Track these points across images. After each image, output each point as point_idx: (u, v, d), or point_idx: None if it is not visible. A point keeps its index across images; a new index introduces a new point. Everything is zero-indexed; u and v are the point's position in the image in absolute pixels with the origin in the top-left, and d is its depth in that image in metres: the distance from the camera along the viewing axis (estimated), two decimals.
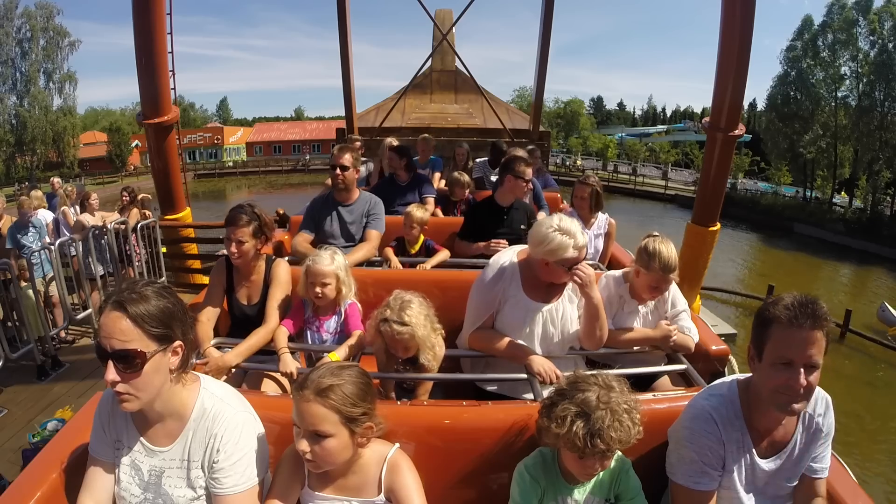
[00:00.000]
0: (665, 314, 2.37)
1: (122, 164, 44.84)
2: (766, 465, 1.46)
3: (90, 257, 5.62)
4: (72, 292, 5.56)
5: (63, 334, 5.23)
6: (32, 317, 4.82)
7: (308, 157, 50.33)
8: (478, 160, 5.86)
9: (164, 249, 6.58)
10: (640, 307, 2.35)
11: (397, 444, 1.46)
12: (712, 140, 6.13)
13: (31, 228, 5.31)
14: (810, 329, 1.25)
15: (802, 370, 1.27)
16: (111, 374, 1.20)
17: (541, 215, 3.50)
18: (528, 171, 3.25)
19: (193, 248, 6.91)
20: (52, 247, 5.14)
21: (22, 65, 37.09)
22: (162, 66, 5.41)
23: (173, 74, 5.98)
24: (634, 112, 73.09)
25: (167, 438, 1.36)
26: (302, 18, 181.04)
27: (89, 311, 5.56)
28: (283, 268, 2.49)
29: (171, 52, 5.77)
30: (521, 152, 4.38)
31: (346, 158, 3.22)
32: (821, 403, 1.48)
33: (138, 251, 6.21)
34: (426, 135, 5.92)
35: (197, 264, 6.82)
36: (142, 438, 1.37)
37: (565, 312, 2.16)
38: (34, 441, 3.42)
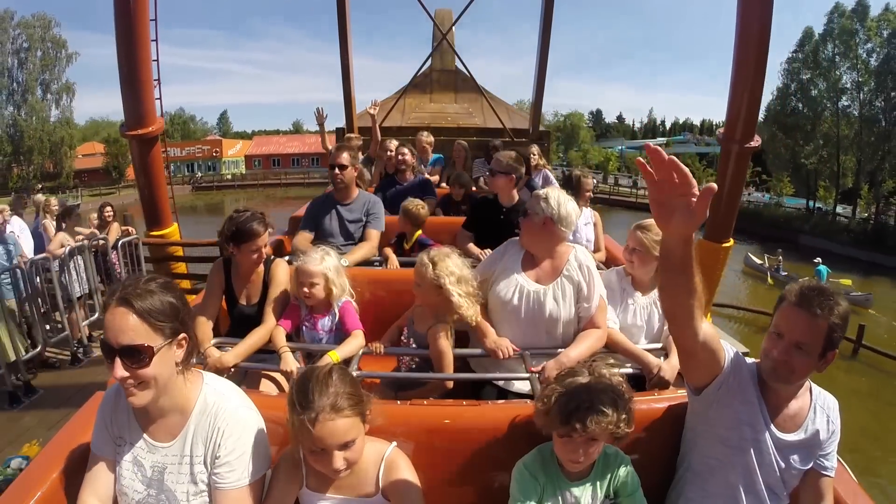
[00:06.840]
0: None
1: (120, 175, 44.30)
2: (786, 437, 1.50)
3: (67, 276, 5.30)
4: (55, 310, 5.26)
5: (44, 355, 4.95)
6: (6, 340, 4.52)
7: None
8: (476, 160, 5.77)
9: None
10: (642, 298, 2.42)
11: (394, 443, 1.46)
12: (727, 153, 5.81)
13: (2, 245, 4.96)
14: (810, 315, 1.36)
15: (790, 347, 1.39)
16: (119, 370, 1.20)
17: None
18: (501, 162, 3.26)
19: (181, 267, 6.45)
20: (25, 265, 4.83)
21: (19, 75, 36.97)
22: (145, 73, 5.09)
23: (158, 83, 5.64)
24: (634, 125, 73.08)
25: (169, 434, 1.35)
26: (303, 33, 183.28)
27: (66, 332, 5.25)
28: (282, 268, 2.49)
29: (157, 61, 5.44)
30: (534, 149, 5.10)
31: (344, 157, 3.24)
32: (830, 400, 1.57)
33: (119, 270, 5.86)
34: (424, 132, 5.78)
35: (186, 283, 6.40)
36: (144, 434, 1.36)
37: (556, 303, 2.19)
38: None
